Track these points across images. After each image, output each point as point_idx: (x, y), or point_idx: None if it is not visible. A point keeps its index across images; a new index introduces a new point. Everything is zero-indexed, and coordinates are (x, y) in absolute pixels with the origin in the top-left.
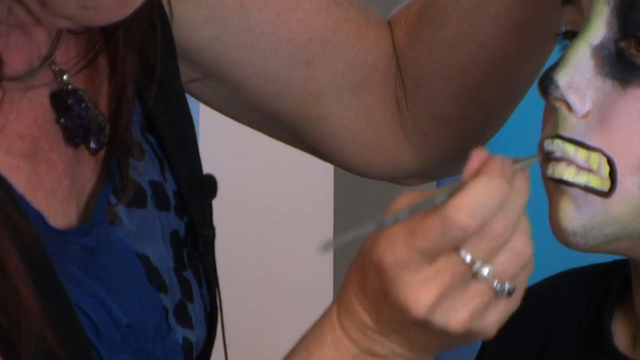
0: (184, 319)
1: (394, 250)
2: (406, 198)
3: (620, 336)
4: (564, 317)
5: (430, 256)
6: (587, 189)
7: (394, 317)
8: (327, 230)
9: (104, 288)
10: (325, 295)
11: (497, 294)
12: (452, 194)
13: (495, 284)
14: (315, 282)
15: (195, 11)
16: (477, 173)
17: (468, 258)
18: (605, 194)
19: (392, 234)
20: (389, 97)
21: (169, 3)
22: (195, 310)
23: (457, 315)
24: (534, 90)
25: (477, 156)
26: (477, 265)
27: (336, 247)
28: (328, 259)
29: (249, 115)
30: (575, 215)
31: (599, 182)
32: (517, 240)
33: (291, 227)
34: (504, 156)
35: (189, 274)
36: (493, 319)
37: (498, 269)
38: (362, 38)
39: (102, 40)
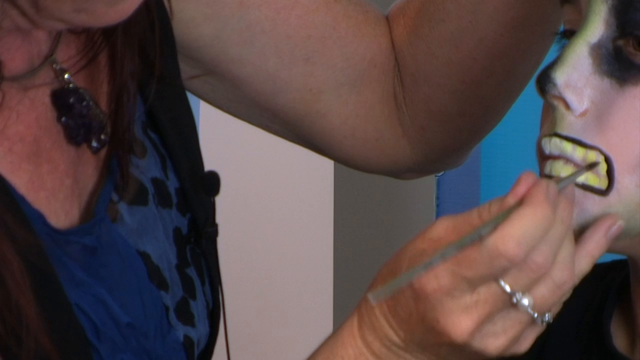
0: (186, 316)
1: (438, 277)
2: (446, 224)
3: (620, 337)
4: (564, 317)
5: (474, 284)
6: (585, 187)
7: (427, 338)
8: (327, 228)
9: (105, 287)
10: (326, 293)
11: (534, 321)
12: (497, 224)
13: (535, 316)
14: (316, 279)
15: (195, 8)
16: (522, 199)
17: (508, 289)
18: (603, 192)
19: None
20: (388, 92)
21: (169, 0)
22: (198, 307)
23: (496, 341)
24: (532, 89)
25: (526, 181)
26: (517, 296)
27: (385, 296)
28: (329, 256)
29: (248, 111)
30: (573, 213)
31: (597, 180)
32: (558, 272)
33: (292, 224)
34: (548, 181)
35: (191, 271)
36: (527, 344)
37: (539, 300)
38: (360, 34)
39: (102, 38)
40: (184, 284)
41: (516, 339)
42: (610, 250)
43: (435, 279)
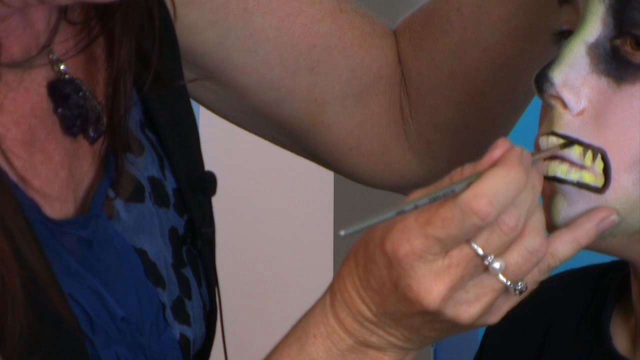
0: (182, 315)
1: (410, 240)
2: (421, 190)
3: (620, 337)
4: (563, 318)
5: (447, 246)
6: (580, 185)
7: (400, 309)
8: (327, 228)
9: (100, 281)
10: None
11: (508, 290)
12: (470, 183)
13: (508, 283)
14: (314, 280)
15: (199, 14)
16: (496, 162)
17: (480, 251)
18: (599, 190)
19: (407, 224)
20: (394, 105)
21: (173, 4)
22: (194, 308)
23: (469, 309)
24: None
25: (502, 146)
26: (489, 258)
27: (354, 233)
28: (328, 257)
29: (253, 121)
30: (568, 212)
31: (592, 178)
32: (529, 239)
33: (291, 226)
34: (523, 147)
35: (187, 272)
36: (500, 313)
37: (511, 267)
38: (366, 45)
39: (98, 25)
40: (179, 284)
41: (490, 308)
42: (605, 248)
43: (408, 242)
